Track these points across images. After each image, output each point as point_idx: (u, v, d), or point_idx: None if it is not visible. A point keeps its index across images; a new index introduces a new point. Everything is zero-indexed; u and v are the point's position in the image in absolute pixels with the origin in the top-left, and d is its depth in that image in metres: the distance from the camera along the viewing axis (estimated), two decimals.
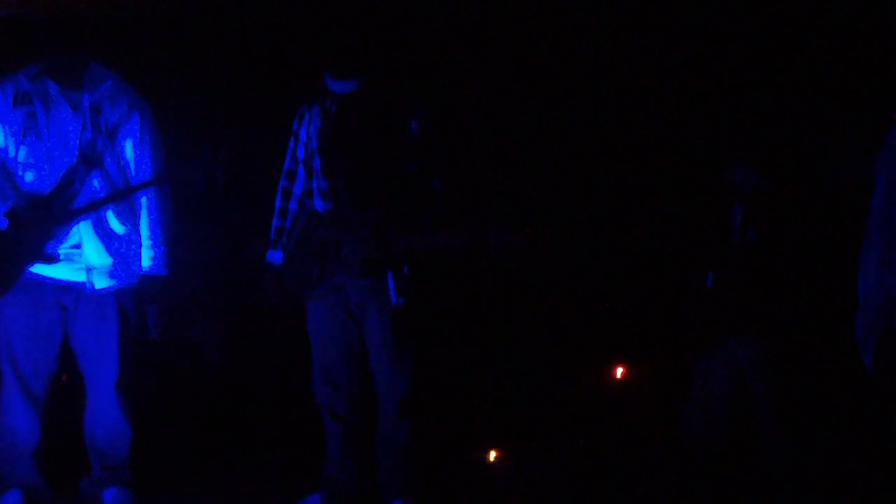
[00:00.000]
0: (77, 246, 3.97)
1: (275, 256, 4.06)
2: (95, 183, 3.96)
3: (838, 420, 4.22)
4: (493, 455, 4.85)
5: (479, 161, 5.00)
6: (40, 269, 3.94)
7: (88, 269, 3.97)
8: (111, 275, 4.00)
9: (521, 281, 5.18)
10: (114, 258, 4.00)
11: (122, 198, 3.96)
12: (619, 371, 5.24)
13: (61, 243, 3.95)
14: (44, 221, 3.88)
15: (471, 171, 4.79)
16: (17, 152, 3.95)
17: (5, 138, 3.96)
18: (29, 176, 3.95)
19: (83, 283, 3.97)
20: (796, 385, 4.04)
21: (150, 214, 4.05)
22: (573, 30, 5.01)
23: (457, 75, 5.05)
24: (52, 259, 3.91)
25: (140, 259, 4.05)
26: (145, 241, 4.04)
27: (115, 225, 4.01)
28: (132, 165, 4.04)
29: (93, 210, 3.92)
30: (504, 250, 3.66)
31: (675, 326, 4.26)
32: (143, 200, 4.04)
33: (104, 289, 3.99)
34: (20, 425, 4.00)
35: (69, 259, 3.96)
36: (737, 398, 4.14)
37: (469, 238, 3.72)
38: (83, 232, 3.96)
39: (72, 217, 3.91)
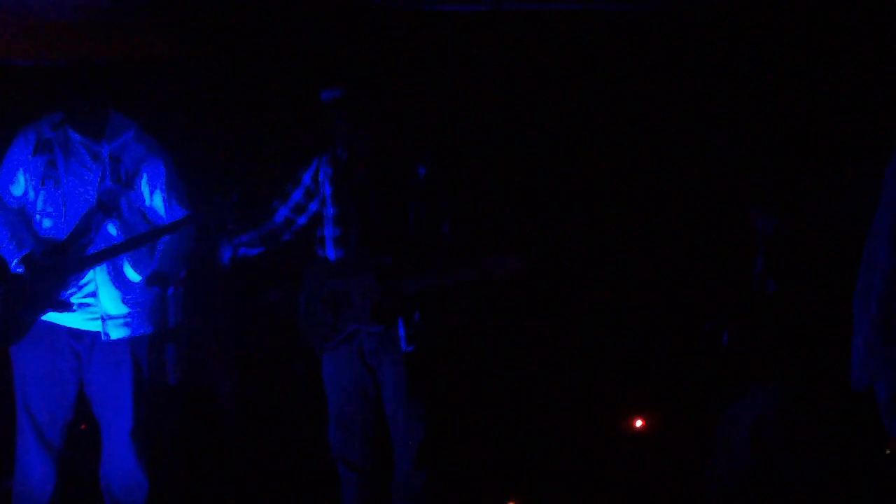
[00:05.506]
0: (93, 294, 3.97)
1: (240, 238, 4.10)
2: (112, 230, 3.97)
3: (859, 473, 4.15)
4: None
5: (478, 193, 4.97)
6: (55, 316, 3.94)
7: (104, 319, 3.96)
8: (127, 324, 4.00)
9: (536, 326, 5.16)
10: (130, 307, 4.00)
11: (137, 245, 3.96)
12: (638, 420, 5.19)
13: (76, 291, 3.96)
14: (59, 268, 3.90)
15: (473, 206, 4.76)
16: (36, 199, 3.98)
17: (25, 185, 3.99)
18: (46, 222, 3.97)
19: (98, 332, 3.97)
20: (816, 435, 3.98)
21: (164, 263, 4.04)
22: (580, 62, 5.01)
23: (453, 102, 5.05)
24: (66, 307, 3.92)
25: (155, 307, 4.05)
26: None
27: (131, 273, 4.01)
28: (149, 214, 4.05)
29: (108, 257, 3.92)
30: (507, 277, 3.67)
31: (696, 376, 4.22)
32: (159, 249, 4.04)
33: (119, 338, 3.99)
34: (35, 473, 3.99)
35: (84, 307, 3.97)
36: (760, 447, 4.09)
37: (473, 272, 3.74)
38: (99, 280, 3.96)
39: (86, 264, 3.92)
